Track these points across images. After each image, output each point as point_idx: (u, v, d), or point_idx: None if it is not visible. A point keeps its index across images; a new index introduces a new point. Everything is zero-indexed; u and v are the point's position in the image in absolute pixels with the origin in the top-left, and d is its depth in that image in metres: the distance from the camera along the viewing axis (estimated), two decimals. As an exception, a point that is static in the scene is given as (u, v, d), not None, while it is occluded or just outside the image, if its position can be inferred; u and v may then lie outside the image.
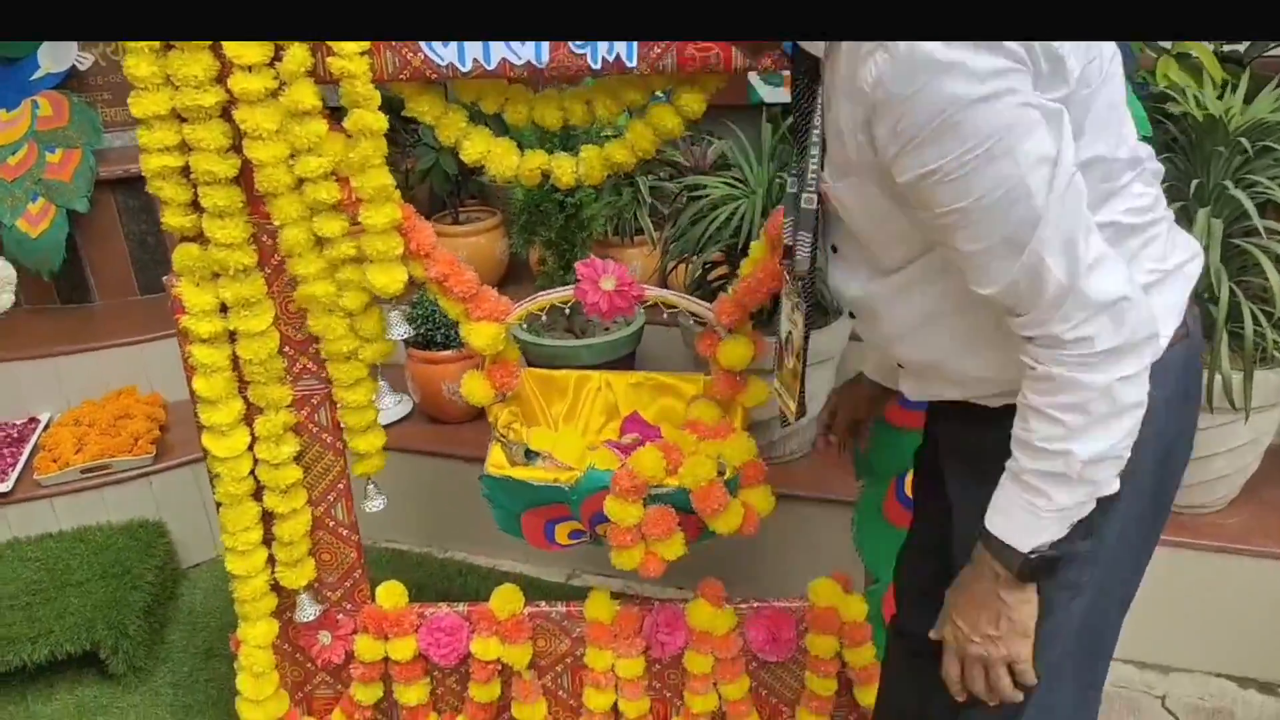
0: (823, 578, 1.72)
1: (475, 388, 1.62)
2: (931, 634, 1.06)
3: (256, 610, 1.67)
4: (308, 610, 1.71)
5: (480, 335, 1.55)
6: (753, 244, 1.59)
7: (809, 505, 2.11)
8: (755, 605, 1.72)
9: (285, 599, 1.71)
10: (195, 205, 1.46)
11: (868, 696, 1.70)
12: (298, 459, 1.62)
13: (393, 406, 1.79)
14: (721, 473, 1.49)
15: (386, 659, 1.75)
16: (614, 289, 1.56)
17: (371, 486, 1.71)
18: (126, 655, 2.03)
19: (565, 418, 1.80)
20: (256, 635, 1.68)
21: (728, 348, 1.60)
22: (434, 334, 2.36)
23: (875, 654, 1.68)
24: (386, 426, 1.68)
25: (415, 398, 2.51)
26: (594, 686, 1.75)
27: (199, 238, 1.48)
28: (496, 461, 1.60)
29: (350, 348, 1.54)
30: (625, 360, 2.34)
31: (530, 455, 1.60)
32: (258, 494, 1.62)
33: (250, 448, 1.58)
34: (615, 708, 1.76)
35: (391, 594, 1.75)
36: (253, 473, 1.60)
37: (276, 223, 1.44)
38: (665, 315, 2.11)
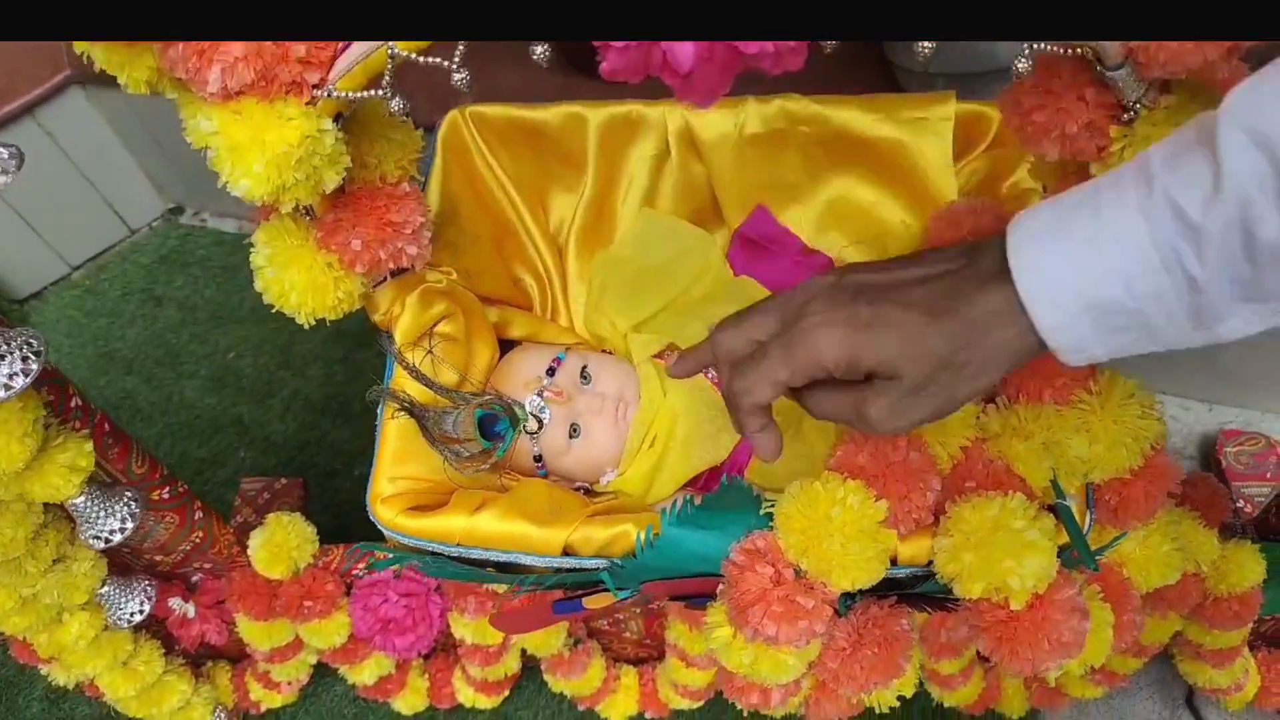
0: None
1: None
2: None
3: (85, 662, 0.87)
4: (122, 608, 0.88)
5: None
6: None
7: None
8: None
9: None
10: None
11: (1206, 675, 0.90)
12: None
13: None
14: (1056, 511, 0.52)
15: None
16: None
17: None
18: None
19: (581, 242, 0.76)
20: (113, 685, 0.90)
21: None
22: None
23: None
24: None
25: None
26: (683, 662, 0.96)
27: None
28: (398, 479, 0.61)
29: None
30: None
31: (492, 424, 0.61)
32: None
33: None
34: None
35: (276, 552, 0.87)
36: None
37: None
38: None
